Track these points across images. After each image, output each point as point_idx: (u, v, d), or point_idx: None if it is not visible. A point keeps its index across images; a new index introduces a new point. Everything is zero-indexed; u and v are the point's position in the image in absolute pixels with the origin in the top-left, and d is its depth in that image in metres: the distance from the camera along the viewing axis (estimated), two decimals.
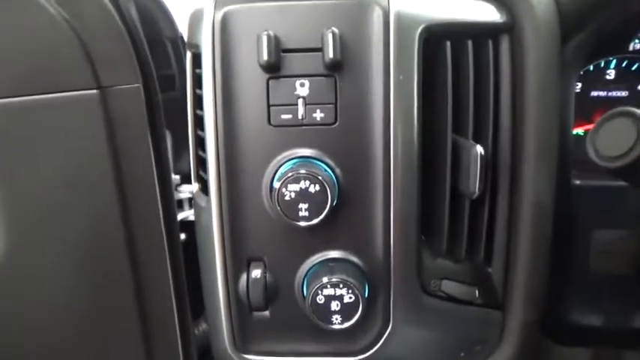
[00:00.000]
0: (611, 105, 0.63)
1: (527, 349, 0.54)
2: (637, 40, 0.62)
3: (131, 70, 0.46)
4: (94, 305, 0.50)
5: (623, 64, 0.63)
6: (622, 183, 0.46)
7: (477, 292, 0.52)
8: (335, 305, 0.46)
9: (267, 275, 0.49)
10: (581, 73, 0.62)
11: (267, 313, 0.51)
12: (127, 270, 0.49)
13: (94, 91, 0.45)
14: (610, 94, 0.63)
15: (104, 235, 0.48)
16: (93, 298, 0.50)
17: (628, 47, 0.62)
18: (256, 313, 0.51)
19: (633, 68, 0.63)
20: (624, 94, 0.63)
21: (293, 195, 0.44)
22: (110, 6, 0.45)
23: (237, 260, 0.49)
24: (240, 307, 0.50)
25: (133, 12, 0.49)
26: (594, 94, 0.64)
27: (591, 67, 0.63)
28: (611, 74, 0.63)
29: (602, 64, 0.63)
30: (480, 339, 0.54)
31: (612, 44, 0.62)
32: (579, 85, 0.63)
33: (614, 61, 0.63)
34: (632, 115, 0.38)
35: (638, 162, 0.37)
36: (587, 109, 0.63)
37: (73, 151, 0.46)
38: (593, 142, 0.41)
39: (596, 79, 0.63)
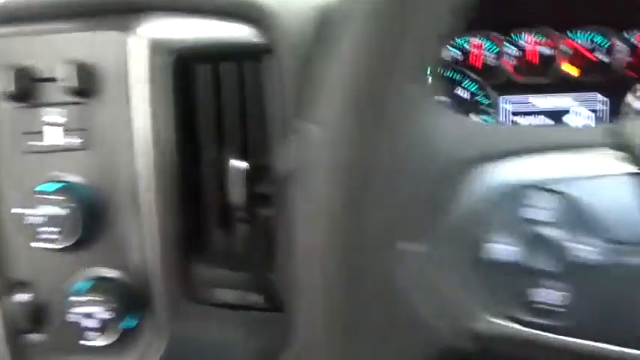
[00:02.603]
0: None
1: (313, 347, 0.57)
2: None
3: None
4: None
5: None
6: None
7: (256, 297, 0.55)
8: (93, 322, 0.47)
9: (35, 297, 0.50)
10: None
11: (43, 334, 0.52)
12: None
13: None
14: None
15: None
16: None
17: None
18: (32, 335, 0.52)
19: None
20: None
21: (46, 219, 0.45)
22: None
23: (5, 284, 0.50)
24: (15, 330, 0.51)
25: None
26: None
27: None
28: None
29: None
30: (267, 342, 0.57)
31: None
32: None
33: None
34: None
35: None
36: None
37: None
38: None
39: None
